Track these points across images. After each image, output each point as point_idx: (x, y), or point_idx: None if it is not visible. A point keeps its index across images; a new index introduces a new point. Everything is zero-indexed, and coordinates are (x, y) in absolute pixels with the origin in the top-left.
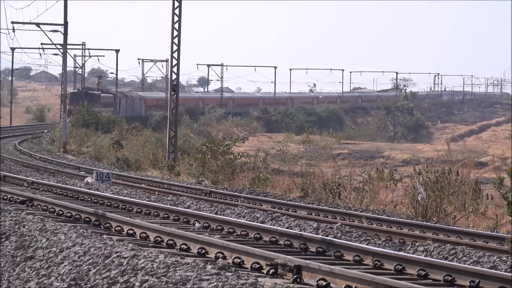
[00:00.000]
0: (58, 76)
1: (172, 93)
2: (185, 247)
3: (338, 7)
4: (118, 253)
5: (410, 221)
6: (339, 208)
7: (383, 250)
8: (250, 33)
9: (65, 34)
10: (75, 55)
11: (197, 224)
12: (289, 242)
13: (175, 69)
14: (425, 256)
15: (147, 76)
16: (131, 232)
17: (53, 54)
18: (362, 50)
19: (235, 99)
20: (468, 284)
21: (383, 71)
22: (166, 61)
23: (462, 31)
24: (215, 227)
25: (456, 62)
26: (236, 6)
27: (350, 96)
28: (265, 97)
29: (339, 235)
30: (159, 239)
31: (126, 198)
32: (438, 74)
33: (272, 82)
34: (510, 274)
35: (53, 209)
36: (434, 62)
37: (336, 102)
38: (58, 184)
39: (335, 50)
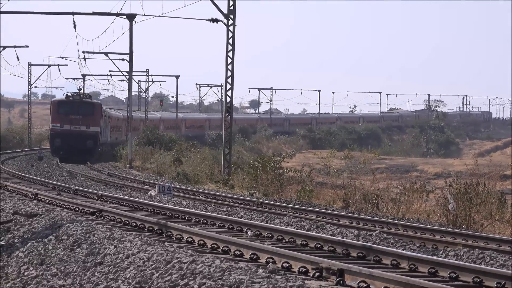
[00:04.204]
0: (124, 100)
1: (227, 114)
2: (239, 253)
3: (378, 36)
4: (179, 259)
5: (442, 228)
6: (377, 217)
7: (418, 254)
8: (297, 59)
9: (131, 62)
10: (139, 81)
11: (249, 232)
12: (332, 248)
13: (229, 93)
14: (455, 260)
15: (204, 99)
16: (190, 239)
17: (119, 80)
18: (398, 74)
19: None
20: (495, 285)
21: (416, 93)
22: (221, 85)
23: (491, 56)
24: (265, 235)
25: (483, 84)
26: (284, 34)
27: (328, 117)
28: (263, 118)
29: (377, 241)
30: (215, 246)
31: (185, 209)
32: (466, 95)
33: (316, 104)
34: None
35: (120, 219)
36: (463, 84)
37: (311, 123)
38: (125, 197)
39: (374, 74)
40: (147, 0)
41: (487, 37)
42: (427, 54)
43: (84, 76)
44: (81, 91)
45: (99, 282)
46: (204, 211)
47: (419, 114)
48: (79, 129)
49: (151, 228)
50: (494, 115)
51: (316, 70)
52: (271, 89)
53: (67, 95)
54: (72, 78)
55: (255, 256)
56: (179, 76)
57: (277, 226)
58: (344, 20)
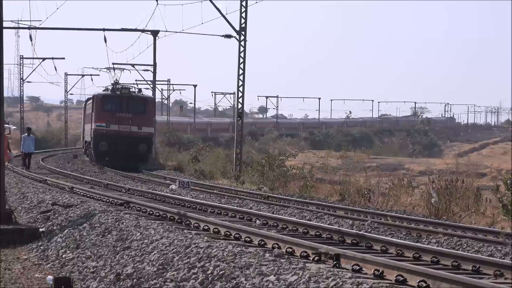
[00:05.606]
0: None
1: (238, 119)
2: (249, 239)
3: (372, 49)
4: (196, 244)
5: (425, 219)
6: (369, 209)
7: (404, 242)
8: (300, 69)
9: (154, 72)
10: (162, 89)
11: (258, 221)
12: (330, 236)
13: (240, 100)
14: (437, 246)
15: (218, 106)
16: (206, 227)
17: (144, 89)
18: (389, 84)
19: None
20: (471, 268)
21: (404, 101)
22: (234, 93)
23: (466, 67)
24: (272, 224)
25: (463, 93)
26: (290, 48)
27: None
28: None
29: (369, 230)
30: (228, 233)
31: (202, 201)
32: (448, 103)
33: (316, 110)
34: (504, 260)
35: (145, 210)
36: (445, 93)
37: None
38: (149, 190)
39: (367, 83)
40: (169, 18)
41: (471, 48)
42: (421, 65)
43: (113, 84)
44: (118, 83)
45: (127, 264)
46: (218, 203)
47: (382, 120)
48: (130, 130)
49: (172, 218)
50: (471, 121)
51: (317, 79)
52: (277, 96)
53: (112, 88)
54: (106, 68)
55: (263, 242)
56: (196, 85)
57: (282, 216)
58: (343, 34)
